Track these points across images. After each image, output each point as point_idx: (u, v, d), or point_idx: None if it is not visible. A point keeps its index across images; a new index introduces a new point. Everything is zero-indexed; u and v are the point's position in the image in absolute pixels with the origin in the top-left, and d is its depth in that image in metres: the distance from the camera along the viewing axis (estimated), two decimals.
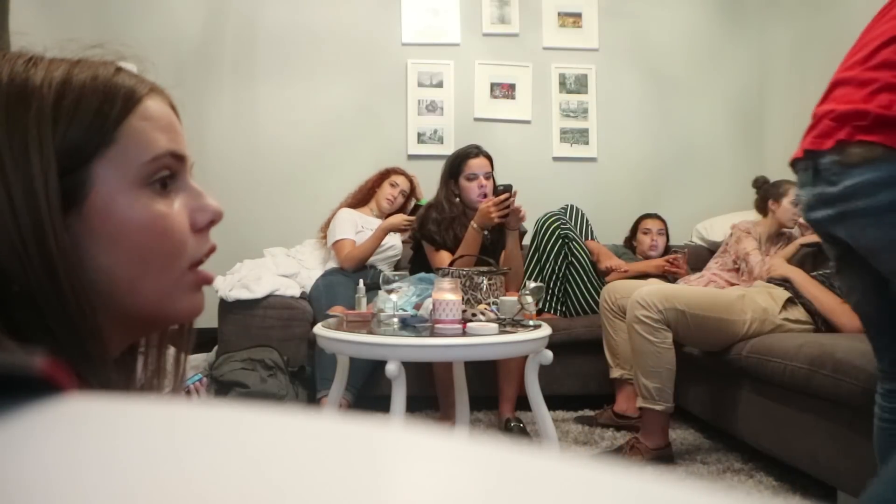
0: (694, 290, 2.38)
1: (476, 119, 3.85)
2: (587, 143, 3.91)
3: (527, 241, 3.05)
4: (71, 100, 0.50)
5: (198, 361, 2.97)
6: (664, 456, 2.23)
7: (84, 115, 0.50)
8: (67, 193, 0.49)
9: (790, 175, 3.45)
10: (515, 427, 2.56)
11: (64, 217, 0.49)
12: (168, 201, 0.54)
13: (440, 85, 3.83)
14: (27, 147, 0.48)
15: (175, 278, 0.54)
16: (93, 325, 0.48)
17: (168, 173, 0.54)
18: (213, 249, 0.58)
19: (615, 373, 2.69)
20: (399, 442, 0.19)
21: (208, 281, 0.58)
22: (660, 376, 2.22)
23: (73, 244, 0.49)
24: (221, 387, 2.80)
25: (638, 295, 2.27)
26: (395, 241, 3.33)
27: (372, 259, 3.20)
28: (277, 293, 3.01)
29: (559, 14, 3.92)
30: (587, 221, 3.36)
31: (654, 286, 2.36)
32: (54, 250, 0.47)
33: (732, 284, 2.93)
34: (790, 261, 3.06)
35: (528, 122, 3.89)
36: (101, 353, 0.49)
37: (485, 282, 2.28)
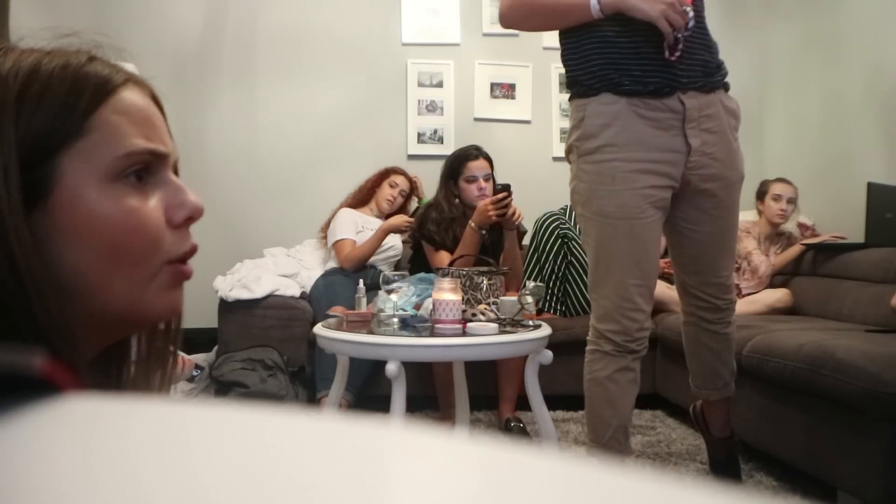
0: None
1: (476, 119, 3.84)
2: None
3: (526, 240, 3.05)
4: (36, 89, 0.48)
5: (198, 361, 2.97)
6: None
7: (49, 106, 0.48)
8: (31, 188, 0.47)
9: (790, 175, 3.42)
10: (515, 427, 2.56)
11: (29, 212, 0.47)
12: (143, 196, 0.52)
13: (440, 85, 3.83)
14: None
15: (149, 275, 0.52)
16: (59, 325, 0.46)
17: (140, 167, 0.52)
18: (193, 249, 0.55)
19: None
20: (399, 442, 0.19)
21: (186, 276, 0.55)
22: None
23: (38, 241, 0.47)
24: (221, 387, 2.80)
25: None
26: (395, 242, 3.33)
27: (372, 259, 3.20)
28: (277, 293, 3.01)
29: None
30: None
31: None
32: (16, 248, 0.45)
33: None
34: (794, 261, 3.08)
35: (528, 122, 3.88)
36: (71, 353, 0.47)
37: (485, 282, 2.28)
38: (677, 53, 1.62)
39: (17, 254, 0.45)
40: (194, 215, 0.55)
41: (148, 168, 0.52)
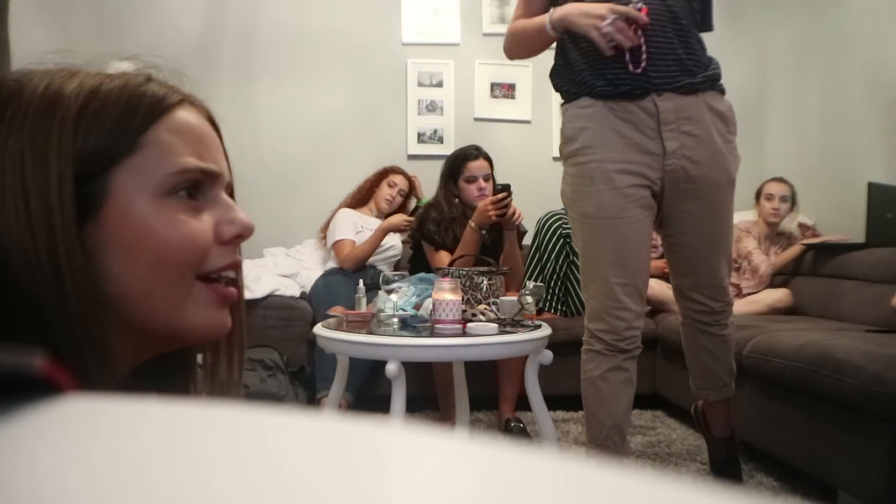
0: None
1: (476, 119, 3.84)
2: None
3: (528, 240, 3.05)
4: (94, 108, 0.50)
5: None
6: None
7: (105, 123, 0.50)
8: (84, 202, 0.49)
9: (790, 175, 3.43)
10: (515, 427, 2.56)
11: (80, 227, 0.48)
12: (193, 211, 0.53)
13: (440, 85, 3.83)
14: (47, 154, 0.48)
15: (187, 288, 0.53)
16: (94, 337, 0.48)
17: (191, 184, 0.53)
18: (235, 264, 0.57)
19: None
20: (399, 442, 0.19)
21: (227, 296, 0.56)
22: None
23: (86, 254, 0.48)
24: None
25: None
26: (394, 241, 3.33)
27: (372, 259, 3.20)
28: (277, 293, 3.01)
29: None
30: None
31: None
32: (63, 260, 0.47)
33: (734, 284, 2.93)
34: (795, 261, 3.08)
35: (528, 122, 3.88)
36: (102, 364, 0.48)
37: (485, 282, 2.28)
38: (643, 64, 1.63)
39: (63, 265, 0.47)
40: (244, 233, 0.57)
41: (199, 186, 0.54)
